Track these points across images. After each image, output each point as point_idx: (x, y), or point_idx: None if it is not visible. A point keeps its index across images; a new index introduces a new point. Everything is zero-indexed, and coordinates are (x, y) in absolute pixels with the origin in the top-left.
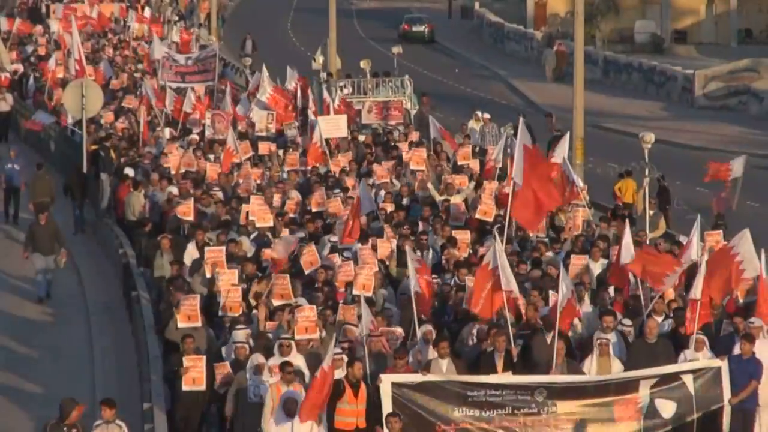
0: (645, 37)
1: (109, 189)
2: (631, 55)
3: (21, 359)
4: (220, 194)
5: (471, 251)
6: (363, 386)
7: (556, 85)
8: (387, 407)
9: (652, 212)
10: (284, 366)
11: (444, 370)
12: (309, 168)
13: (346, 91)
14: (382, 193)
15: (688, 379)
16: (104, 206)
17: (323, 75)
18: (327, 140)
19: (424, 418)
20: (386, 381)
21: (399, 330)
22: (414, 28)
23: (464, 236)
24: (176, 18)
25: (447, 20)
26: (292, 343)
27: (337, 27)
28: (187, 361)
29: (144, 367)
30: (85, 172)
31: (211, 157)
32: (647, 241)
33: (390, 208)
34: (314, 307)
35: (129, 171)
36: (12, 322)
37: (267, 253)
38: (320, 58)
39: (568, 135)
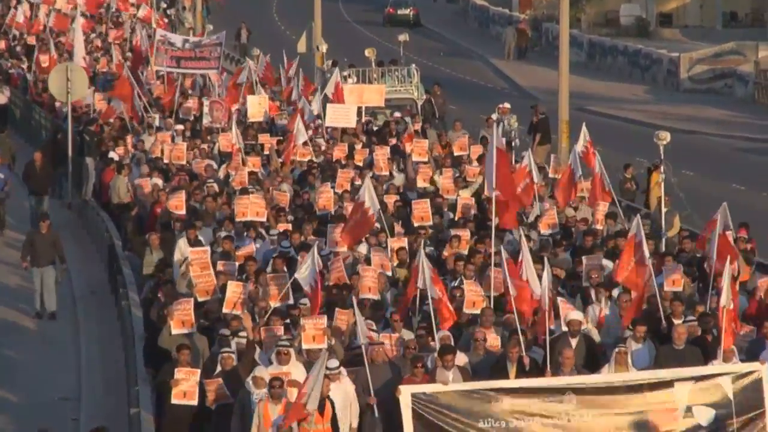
0: (630, 20)
1: (93, 173)
2: (616, 38)
3: (7, 343)
4: (216, 187)
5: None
6: (328, 404)
7: (541, 68)
8: (408, 420)
9: (666, 210)
10: (272, 381)
11: (450, 381)
12: (306, 160)
13: (350, 80)
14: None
15: (726, 384)
16: (89, 190)
17: (327, 64)
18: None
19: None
20: (406, 392)
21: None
22: (399, 12)
23: (464, 234)
24: (164, 5)
25: (432, 3)
26: (291, 350)
27: (322, 10)
28: (179, 373)
29: (129, 351)
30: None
31: (205, 147)
32: (663, 240)
33: (392, 201)
34: (323, 315)
35: (113, 155)
36: None
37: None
38: (323, 47)
39: (584, 126)
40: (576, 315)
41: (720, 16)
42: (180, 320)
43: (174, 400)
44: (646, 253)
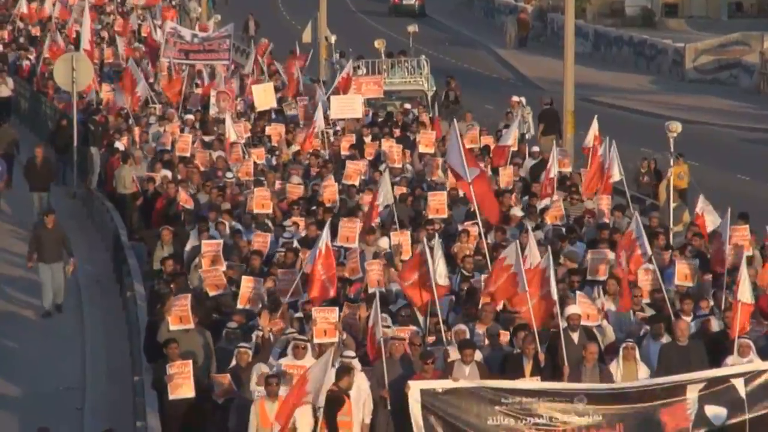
0: (635, 10)
1: (98, 162)
2: (621, 29)
3: (11, 333)
4: (233, 180)
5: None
6: (350, 396)
7: (547, 59)
8: (416, 416)
9: (675, 204)
10: (269, 379)
11: (467, 376)
12: (309, 152)
13: (360, 72)
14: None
15: (738, 383)
16: (94, 179)
17: (336, 56)
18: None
19: (456, 428)
20: (415, 388)
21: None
22: (404, 2)
23: (473, 229)
24: None
25: None
26: (308, 345)
27: (327, 0)
28: (171, 368)
29: (134, 340)
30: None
31: (206, 138)
32: (671, 235)
33: (399, 193)
34: (335, 308)
35: (119, 144)
36: (1, 294)
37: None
38: (332, 38)
39: (595, 119)
40: (575, 309)
41: (725, 7)
42: (177, 316)
43: (172, 396)
44: (647, 248)
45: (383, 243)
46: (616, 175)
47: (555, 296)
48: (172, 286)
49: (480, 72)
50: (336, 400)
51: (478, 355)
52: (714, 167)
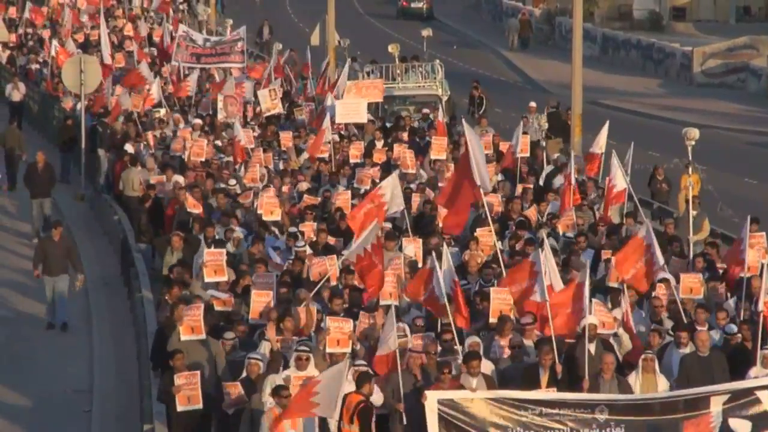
0: (644, 14)
1: (106, 164)
2: (629, 32)
3: (19, 335)
4: (237, 187)
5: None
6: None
7: (555, 62)
8: (433, 427)
9: (695, 213)
10: (279, 390)
11: (474, 387)
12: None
13: (373, 76)
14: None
15: (764, 396)
16: (101, 181)
17: (348, 60)
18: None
19: None
20: (432, 398)
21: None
22: (412, 5)
23: (488, 238)
24: None
25: None
26: (311, 355)
27: (336, 3)
28: (179, 378)
29: (142, 343)
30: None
31: (218, 143)
32: (691, 244)
33: (417, 201)
34: (350, 319)
35: (128, 147)
36: (9, 298)
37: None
38: (346, 42)
39: (606, 125)
40: (591, 319)
41: (733, 11)
42: (189, 326)
43: (180, 407)
44: (659, 257)
45: (408, 251)
46: (621, 184)
47: (587, 311)
48: (167, 297)
49: (488, 75)
50: (369, 411)
51: (489, 367)
52: (721, 171)
